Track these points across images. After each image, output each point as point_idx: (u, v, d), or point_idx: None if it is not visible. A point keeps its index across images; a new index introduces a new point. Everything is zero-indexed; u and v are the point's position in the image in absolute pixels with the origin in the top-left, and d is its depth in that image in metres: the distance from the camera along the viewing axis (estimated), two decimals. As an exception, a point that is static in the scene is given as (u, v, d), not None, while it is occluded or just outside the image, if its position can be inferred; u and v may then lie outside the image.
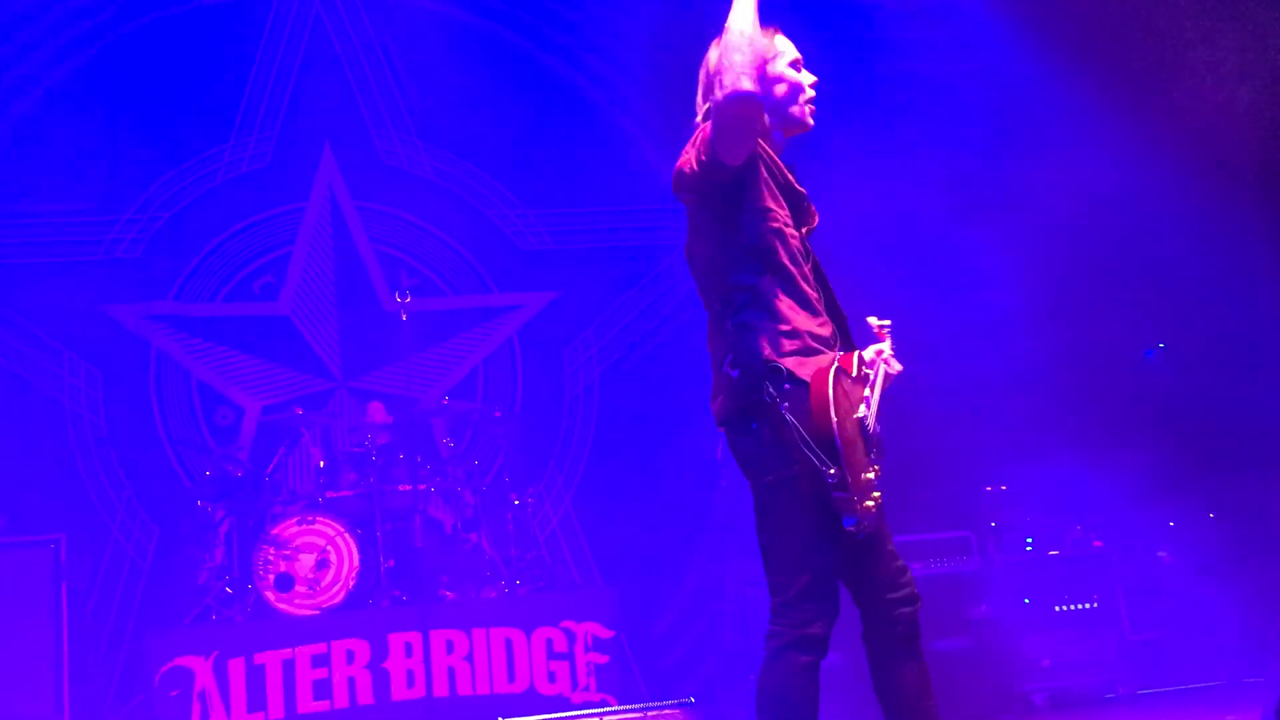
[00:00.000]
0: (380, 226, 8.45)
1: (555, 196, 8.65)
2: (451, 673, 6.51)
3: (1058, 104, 7.83)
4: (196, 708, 6.22)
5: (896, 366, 3.53)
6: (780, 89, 3.50)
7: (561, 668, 6.64)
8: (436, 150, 8.55)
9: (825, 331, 3.41)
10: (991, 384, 7.50)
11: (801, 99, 3.52)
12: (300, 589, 6.60)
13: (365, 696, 6.40)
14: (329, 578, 6.66)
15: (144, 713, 6.47)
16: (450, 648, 6.53)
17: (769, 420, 3.27)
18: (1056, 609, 7.05)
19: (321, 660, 6.40)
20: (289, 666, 6.36)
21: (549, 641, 6.65)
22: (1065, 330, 7.92)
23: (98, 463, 7.78)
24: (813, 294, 3.42)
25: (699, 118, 3.53)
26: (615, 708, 5.37)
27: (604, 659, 6.68)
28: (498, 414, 7.80)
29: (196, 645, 6.32)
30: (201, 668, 6.26)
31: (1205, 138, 7.82)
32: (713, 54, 3.47)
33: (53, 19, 7.95)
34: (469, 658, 6.55)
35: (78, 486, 7.70)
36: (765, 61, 3.46)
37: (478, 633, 6.58)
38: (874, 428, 3.34)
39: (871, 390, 3.40)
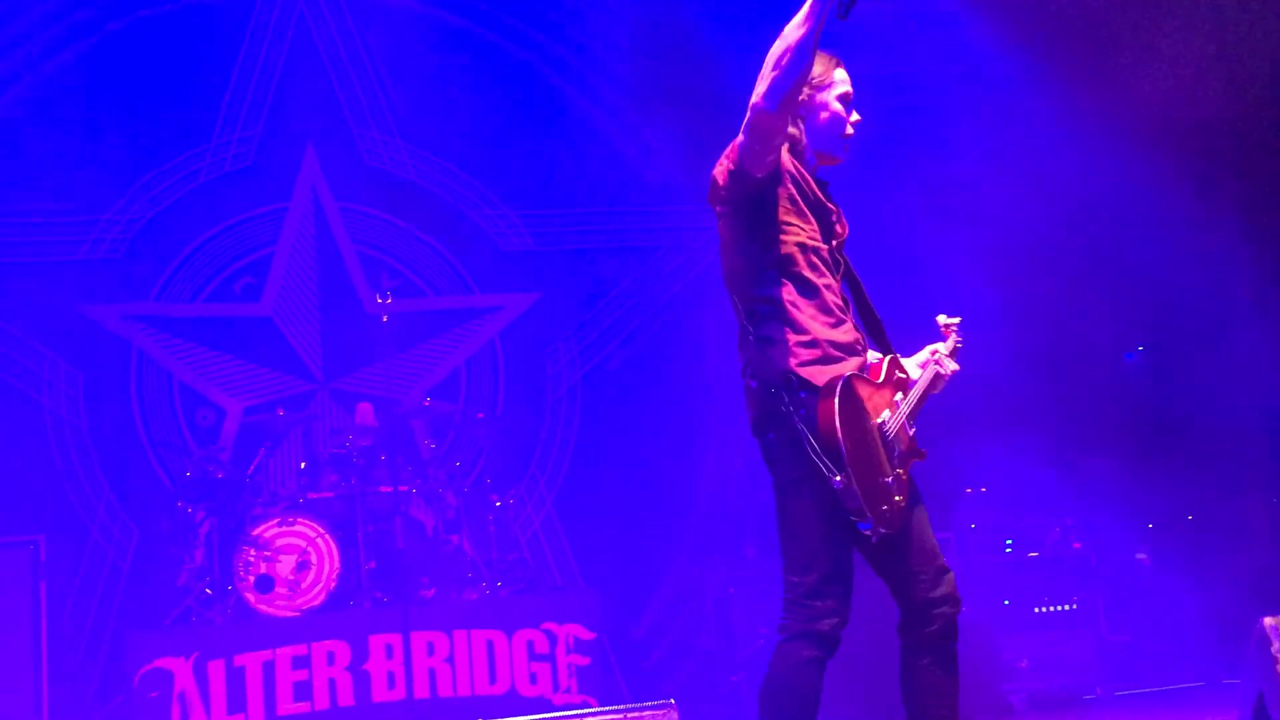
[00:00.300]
0: (362, 227, 8.44)
1: (538, 197, 8.65)
2: (432, 674, 6.50)
3: (1035, 106, 7.86)
4: (176, 709, 6.20)
5: (951, 366, 3.73)
6: (823, 116, 3.61)
7: (543, 669, 6.64)
8: (419, 151, 8.54)
9: (847, 339, 3.52)
10: (971, 386, 7.51)
11: (840, 134, 3.64)
12: (281, 590, 6.59)
13: (346, 698, 6.39)
14: (310, 579, 6.65)
15: (123, 714, 6.45)
16: (431, 649, 6.53)
17: (784, 428, 3.40)
18: (1036, 610, 7.09)
19: (302, 662, 6.38)
20: (269, 668, 6.35)
21: (530, 643, 6.65)
22: (1045, 332, 7.96)
23: (77, 463, 7.75)
24: (836, 302, 3.54)
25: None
26: (596, 709, 5.35)
27: (585, 661, 6.68)
28: (480, 415, 7.80)
29: (176, 646, 6.29)
30: (181, 669, 6.25)
31: (1183, 141, 7.87)
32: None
33: (34, 18, 7.91)
34: (450, 659, 6.54)
35: (57, 487, 7.66)
36: (819, 88, 3.58)
37: (459, 634, 6.58)
38: (904, 430, 3.51)
39: (905, 393, 3.57)
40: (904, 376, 3.63)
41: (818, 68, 3.52)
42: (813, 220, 3.55)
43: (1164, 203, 7.65)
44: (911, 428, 3.57)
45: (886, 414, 3.49)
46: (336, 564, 6.67)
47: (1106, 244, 8.07)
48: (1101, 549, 7.36)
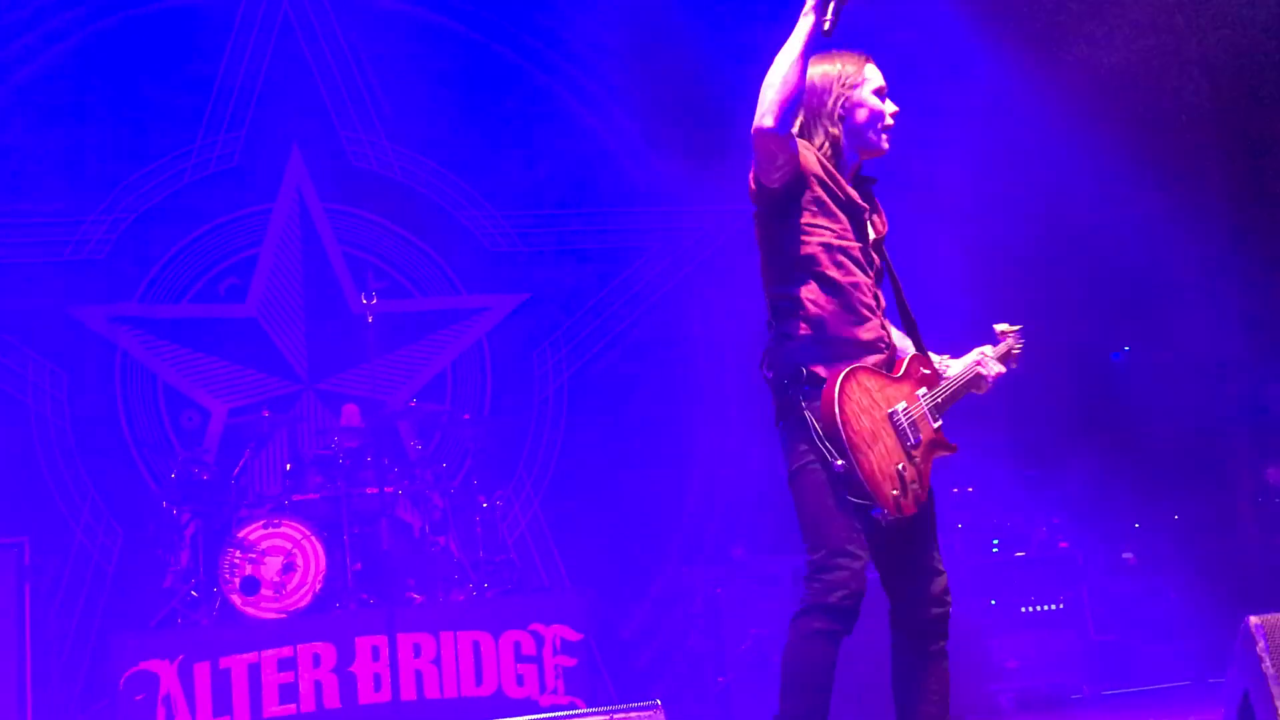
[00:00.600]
0: (348, 228, 8.42)
1: (525, 198, 8.64)
2: (419, 676, 6.48)
3: (1022, 105, 7.87)
4: (161, 712, 6.17)
5: (995, 369, 3.93)
6: (861, 114, 3.75)
7: (530, 670, 6.62)
8: (405, 152, 8.53)
9: (870, 337, 3.67)
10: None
11: (880, 125, 3.77)
12: (266, 592, 6.56)
13: (332, 700, 6.37)
14: (295, 581, 6.62)
15: (108, 717, 6.41)
16: (418, 651, 6.51)
17: (794, 417, 3.59)
18: (1023, 610, 7.09)
19: (288, 664, 6.36)
20: (255, 670, 6.32)
21: (517, 644, 6.63)
22: (1030, 332, 7.95)
23: (62, 465, 7.72)
24: (863, 300, 3.68)
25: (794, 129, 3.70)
26: (583, 710, 5.34)
27: (572, 662, 6.67)
28: (466, 416, 7.79)
29: (161, 649, 6.26)
30: (166, 671, 6.22)
31: (1170, 141, 7.89)
32: (812, 70, 3.67)
33: (17, 18, 7.88)
34: (436, 661, 6.52)
35: (42, 489, 7.63)
36: (853, 87, 3.74)
37: (445, 636, 6.56)
38: (925, 421, 3.65)
39: (929, 387, 3.72)
40: (929, 373, 3.77)
41: (849, 67, 3.74)
42: (843, 219, 3.69)
43: (1150, 202, 7.66)
44: (938, 421, 3.71)
45: (902, 404, 3.63)
46: (322, 566, 6.65)
47: (1093, 243, 8.08)
48: (1088, 549, 7.37)
